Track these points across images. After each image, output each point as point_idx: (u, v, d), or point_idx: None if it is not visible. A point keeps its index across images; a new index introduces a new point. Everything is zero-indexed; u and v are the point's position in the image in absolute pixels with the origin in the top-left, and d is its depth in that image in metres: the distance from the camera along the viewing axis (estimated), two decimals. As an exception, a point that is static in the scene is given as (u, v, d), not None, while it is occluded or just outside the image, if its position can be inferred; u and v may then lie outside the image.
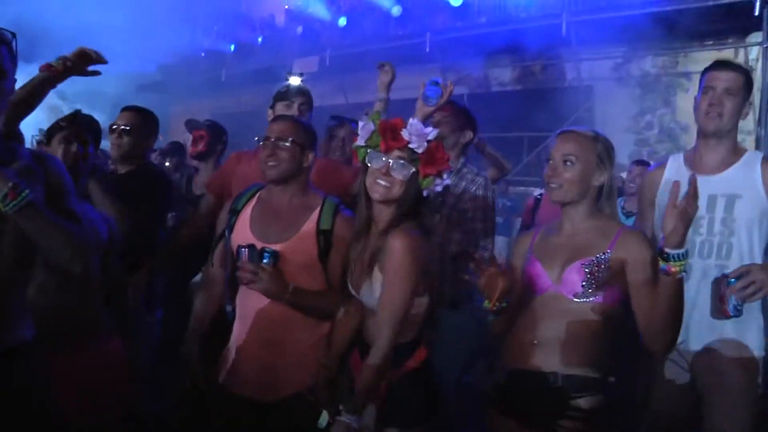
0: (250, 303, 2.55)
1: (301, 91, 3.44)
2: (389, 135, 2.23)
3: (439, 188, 2.28)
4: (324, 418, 2.33)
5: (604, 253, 2.14)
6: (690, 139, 9.59)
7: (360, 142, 2.30)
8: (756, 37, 9.05)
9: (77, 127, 2.92)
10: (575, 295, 2.14)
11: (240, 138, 8.24)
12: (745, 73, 2.60)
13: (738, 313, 2.41)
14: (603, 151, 2.21)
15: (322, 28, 13.52)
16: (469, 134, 3.48)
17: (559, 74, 10.98)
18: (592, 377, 2.14)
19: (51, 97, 2.70)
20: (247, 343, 2.55)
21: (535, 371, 2.17)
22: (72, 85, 2.77)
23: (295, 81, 3.04)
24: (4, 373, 1.95)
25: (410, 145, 2.21)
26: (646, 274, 2.08)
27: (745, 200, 2.50)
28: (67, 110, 3.09)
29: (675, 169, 2.69)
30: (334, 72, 13.01)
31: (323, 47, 13.22)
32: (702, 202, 2.38)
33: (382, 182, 2.22)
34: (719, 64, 2.64)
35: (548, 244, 2.29)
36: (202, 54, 16.22)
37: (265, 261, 2.38)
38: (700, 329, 2.54)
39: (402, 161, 2.21)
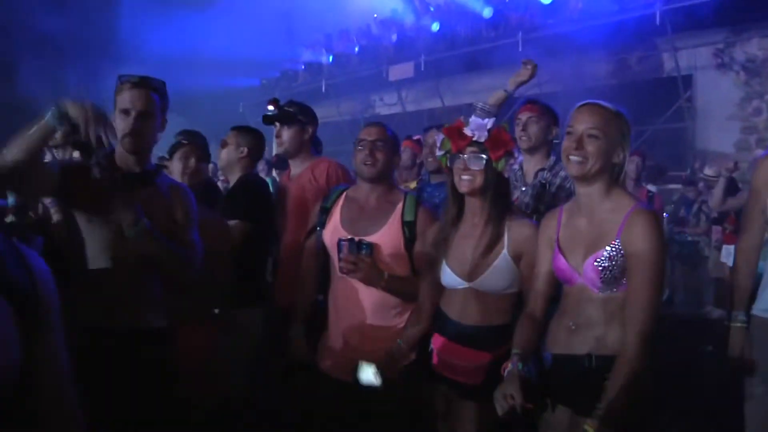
0: (343, 294, 2.85)
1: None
2: (456, 136, 2.52)
3: (515, 167, 2.60)
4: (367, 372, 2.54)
5: (613, 243, 2.11)
6: (802, 123, 9.31)
7: (439, 152, 2.60)
8: None
9: (194, 144, 3.34)
10: (599, 289, 2.14)
11: (342, 145, 8.63)
12: None
13: None
14: (625, 127, 2.19)
15: (416, 34, 13.81)
16: (555, 130, 3.59)
17: (655, 65, 10.79)
18: None
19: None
20: (343, 330, 2.84)
21: (571, 355, 2.20)
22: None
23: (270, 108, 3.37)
24: (135, 352, 2.40)
25: (474, 138, 2.49)
26: (637, 271, 2.07)
27: None
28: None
29: None
30: (430, 76, 13.28)
31: (418, 53, 13.52)
32: None
33: (466, 177, 2.49)
34: None
35: (571, 229, 2.27)
36: (302, 67, 16.90)
37: (363, 252, 2.67)
38: None
39: (474, 154, 2.49)
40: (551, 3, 10.95)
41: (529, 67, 3.59)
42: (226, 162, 3.75)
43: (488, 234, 2.50)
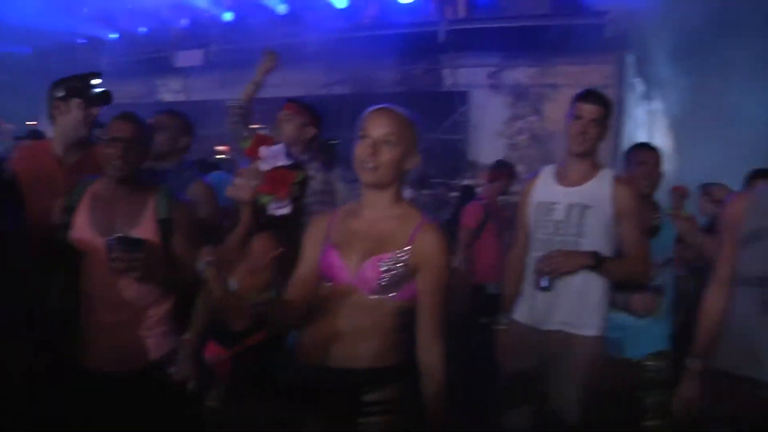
0: (99, 286, 2.71)
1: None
2: (256, 146, 2.51)
3: (277, 212, 2.52)
4: None
5: (401, 250, 2.06)
6: (556, 145, 10.40)
7: (242, 141, 2.55)
8: (610, 56, 10.00)
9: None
10: (372, 292, 2.07)
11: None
12: (607, 104, 2.98)
13: (547, 287, 2.87)
14: (417, 134, 2.15)
15: (208, 22, 13.41)
16: (311, 130, 3.64)
17: (437, 79, 11.51)
18: (391, 367, 2.10)
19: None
20: (101, 322, 2.73)
21: (331, 368, 2.11)
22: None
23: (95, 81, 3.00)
24: None
25: (260, 162, 2.49)
26: (432, 282, 2.08)
27: (595, 210, 2.88)
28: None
29: (545, 180, 3.07)
30: (219, 67, 12.95)
31: (208, 41, 13.14)
32: (563, 209, 2.91)
33: (238, 181, 2.50)
34: (587, 96, 2.97)
35: (348, 230, 2.17)
36: (83, 41, 15.68)
37: (134, 249, 2.51)
38: (559, 312, 2.93)
39: (255, 171, 2.50)
40: (346, 8, 11.21)
41: (271, 57, 3.71)
42: None
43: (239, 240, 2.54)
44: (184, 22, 13.85)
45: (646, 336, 3.14)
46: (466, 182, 8.54)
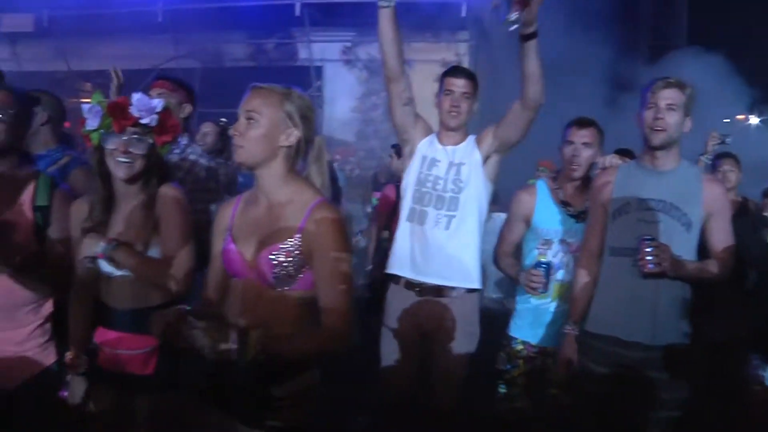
0: None
1: None
2: (119, 114, 2.28)
3: (177, 151, 2.50)
4: None
5: (292, 238, 1.99)
6: (410, 121, 10.61)
7: (91, 126, 2.31)
8: (464, 35, 10.29)
9: None
10: (270, 286, 2.01)
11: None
12: (475, 78, 3.13)
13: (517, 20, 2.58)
14: (294, 108, 2.05)
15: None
16: (188, 108, 3.45)
17: (291, 53, 11.34)
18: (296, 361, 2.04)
19: None
20: None
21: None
22: None
23: None
24: None
25: (141, 121, 2.29)
26: (327, 269, 1.99)
27: (468, 166, 3.07)
28: None
29: (429, 143, 3.18)
30: (55, 34, 11.99)
31: (39, 5, 12.10)
32: (444, 167, 3.10)
33: (124, 159, 2.28)
34: (456, 71, 3.13)
35: (247, 218, 2.12)
36: None
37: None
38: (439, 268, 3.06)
39: (137, 136, 2.29)
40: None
41: (115, 73, 3.46)
42: None
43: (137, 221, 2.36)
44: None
45: (543, 319, 3.15)
46: (323, 159, 8.48)
